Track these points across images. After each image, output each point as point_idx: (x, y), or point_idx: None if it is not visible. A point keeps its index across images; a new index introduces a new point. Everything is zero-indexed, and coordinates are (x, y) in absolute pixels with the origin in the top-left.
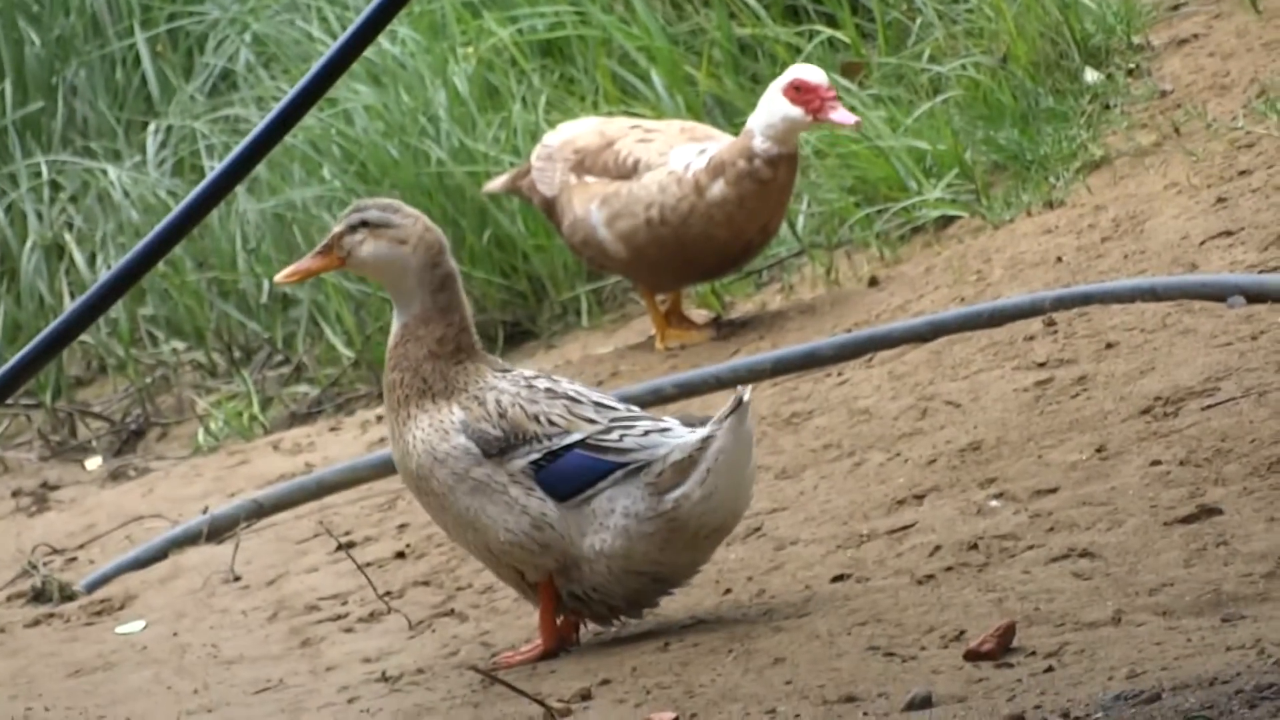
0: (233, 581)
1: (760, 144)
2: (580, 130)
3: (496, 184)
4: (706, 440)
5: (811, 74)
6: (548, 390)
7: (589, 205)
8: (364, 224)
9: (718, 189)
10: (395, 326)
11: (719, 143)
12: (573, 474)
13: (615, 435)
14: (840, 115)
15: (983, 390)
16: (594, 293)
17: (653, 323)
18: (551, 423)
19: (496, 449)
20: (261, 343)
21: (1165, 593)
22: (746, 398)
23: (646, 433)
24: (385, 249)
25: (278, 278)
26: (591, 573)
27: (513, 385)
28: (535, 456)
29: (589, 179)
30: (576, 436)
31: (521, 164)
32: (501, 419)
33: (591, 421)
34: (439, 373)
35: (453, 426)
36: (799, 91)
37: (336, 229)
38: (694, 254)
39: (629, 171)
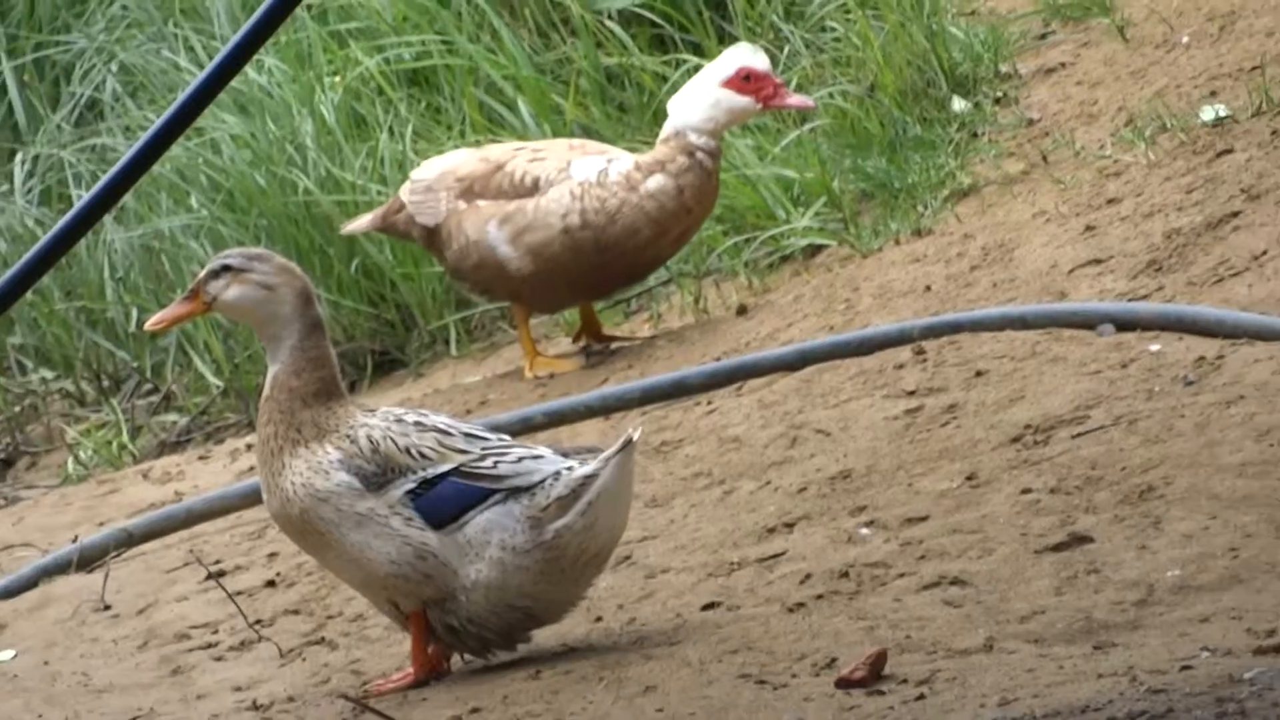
0: (103, 610)
1: (697, 139)
2: (457, 160)
3: (361, 224)
4: (591, 477)
5: (758, 61)
6: (417, 424)
7: (485, 226)
8: (227, 269)
9: (655, 182)
10: (268, 378)
11: (621, 153)
12: (449, 500)
13: (489, 462)
14: (795, 100)
15: (852, 419)
16: (463, 321)
17: (523, 350)
18: (423, 455)
19: (375, 483)
20: (130, 372)
21: (1037, 620)
22: (636, 438)
23: (520, 459)
24: (251, 292)
25: (146, 325)
26: (468, 603)
27: (382, 421)
28: (411, 485)
29: (480, 203)
30: (450, 465)
31: (386, 203)
32: (375, 454)
33: (463, 452)
34: (310, 420)
35: (331, 465)
36: (748, 81)
37: (200, 275)
38: (608, 259)
39: (529, 189)
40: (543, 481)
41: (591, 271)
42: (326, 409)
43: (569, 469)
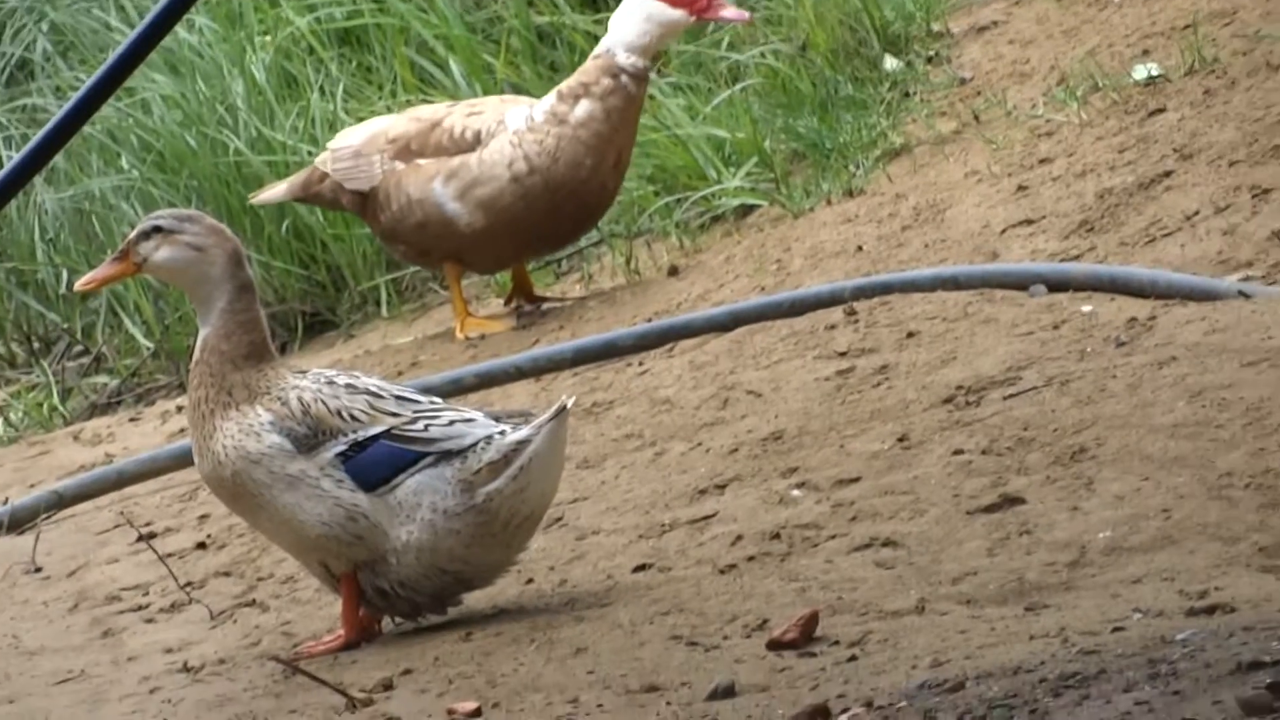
0: (34, 572)
1: (626, 59)
2: (384, 123)
3: (275, 194)
4: (523, 443)
5: None
6: (348, 386)
7: (430, 184)
8: (157, 230)
9: (583, 109)
10: (198, 341)
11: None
12: (380, 463)
13: (420, 425)
14: (731, 12)
15: (784, 380)
16: (394, 282)
17: (454, 311)
18: (354, 417)
19: (306, 445)
20: (60, 333)
21: (968, 582)
22: (569, 405)
23: (451, 422)
24: (181, 253)
25: (76, 285)
26: (399, 565)
27: (313, 383)
28: (342, 448)
29: (421, 162)
30: (382, 427)
31: (302, 173)
32: (306, 415)
33: (395, 414)
34: (240, 382)
35: (263, 427)
36: None
37: (130, 236)
38: (558, 200)
39: (470, 144)
40: (474, 445)
41: (544, 218)
42: (257, 371)
43: (501, 433)
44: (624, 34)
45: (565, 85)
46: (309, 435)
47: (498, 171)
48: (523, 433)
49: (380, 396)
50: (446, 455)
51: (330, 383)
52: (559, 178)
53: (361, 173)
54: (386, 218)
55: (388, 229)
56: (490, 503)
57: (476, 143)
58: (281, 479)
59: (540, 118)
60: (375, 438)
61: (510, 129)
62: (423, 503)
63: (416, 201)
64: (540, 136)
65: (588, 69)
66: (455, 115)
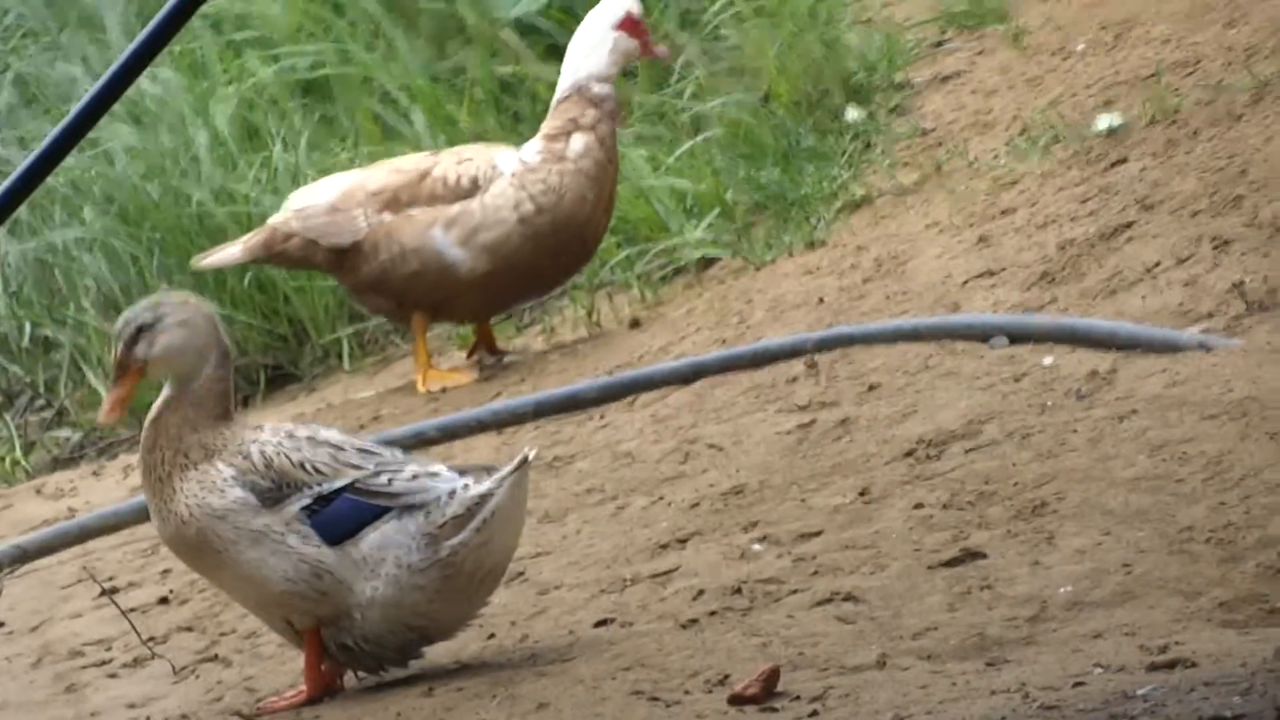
0: None
1: (601, 88)
2: (355, 178)
3: (229, 256)
4: (486, 496)
5: (636, 7)
6: (309, 438)
7: (428, 233)
8: (140, 330)
9: (578, 143)
10: (159, 402)
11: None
12: (344, 517)
13: (384, 479)
14: (660, 50)
15: (745, 433)
16: (356, 335)
17: (416, 364)
18: (318, 470)
19: (270, 499)
20: (23, 386)
21: (929, 636)
22: (532, 456)
23: (415, 476)
24: (173, 338)
25: (101, 419)
26: (364, 621)
27: (273, 436)
28: (307, 501)
29: (413, 211)
30: (345, 481)
31: (255, 235)
32: (269, 469)
33: (357, 467)
34: (197, 443)
35: (225, 482)
36: (636, 25)
37: (119, 350)
38: (563, 239)
39: (468, 190)
40: (438, 499)
41: (549, 258)
42: (214, 431)
43: (464, 486)
44: (593, 65)
45: (549, 126)
46: (272, 489)
47: (504, 215)
48: (485, 486)
49: (342, 449)
50: (410, 509)
51: (290, 435)
52: (564, 215)
53: (341, 228)
54: (370, 270)
55: (370, 281)
56: (455, 556)
57: (475, 188)
58: (246, 534)
59: (535, 158)
60: (339, 491)
61: (507, 172)
62: (387, 557)
63: (412, 251)
64: (543, 175)
65: (566, 107)
66: (444, 163)
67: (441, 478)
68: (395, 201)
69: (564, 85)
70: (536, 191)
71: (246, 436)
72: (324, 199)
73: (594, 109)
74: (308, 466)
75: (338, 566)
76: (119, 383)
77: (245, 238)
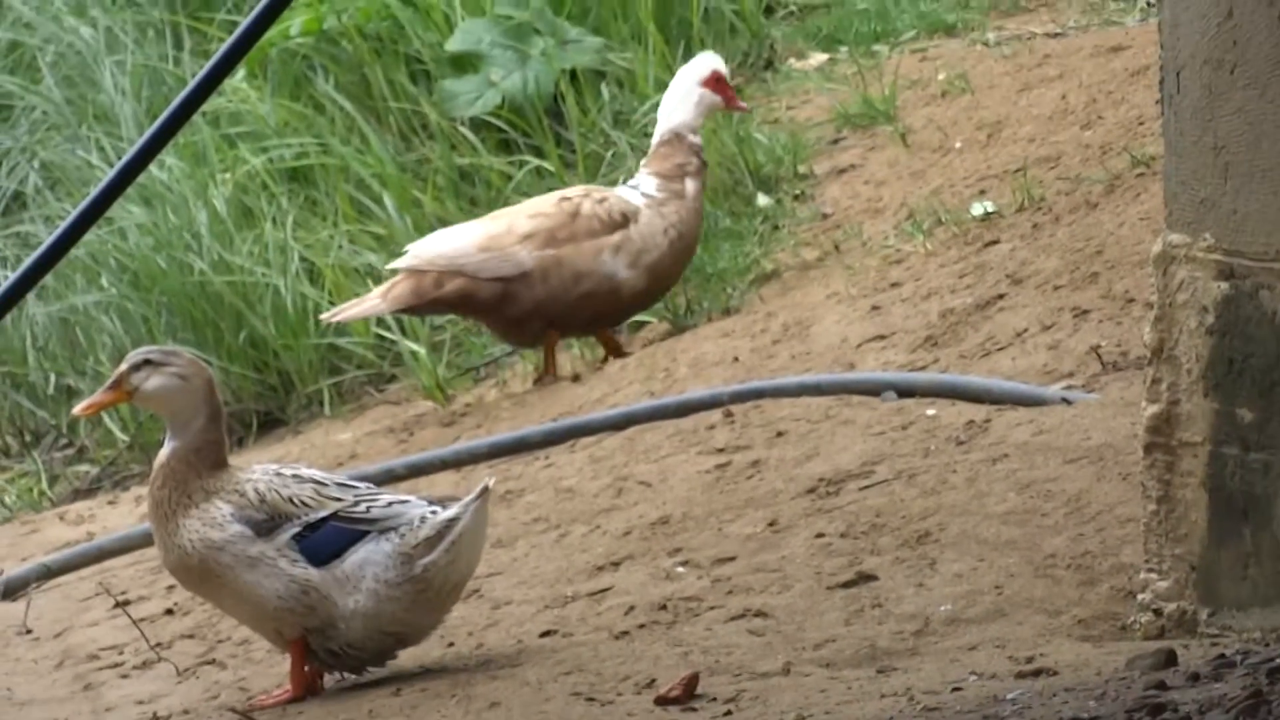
0: (25, 634)
1: (695, 139)
2: (499, 224)
3: (372, 308)
4: (454, 520)
5: (722, 65)
6: (294, 476)
7: (599, 258)
8: (147, 362)
9: (691, 186)
10: (166, 449)
11: (620, 188)
12: (330, 542)
13: (363, 507)
14: (742, 105)
15: (670, 472)
16: (335, 386)
17: (547, 365)
18: (304, 503)
19: (265, 529)
20: (49, 428)
21: (828, 647)
22: (490, 485)
23: (389, 504)
24: (168, 383)
25: (75, 410)
26: (347, 630)
27: (264, 475)
28: (296, 530)
29: (583, 244)
30: (329, 510)
31: (398, 286)
32: (262, 504)
33: (338, 499)
34: (199, 486)
35: (225, 518)
36: (719, 83)
37: (122, 368)
38: (686, 260)
39: (620, 221)
40: (411, 523)
41: (678, 275)
42: (213, 475)
43: (433, 512)
44: (685, 117)
45: (660, 167)
46: (266, 520)
47: (658, 239)
48: (452, 511)
49: (324, 484)
50: (386, 533)
51: (278, 474)
52: (690, 240)
53: (503, 263)
54: (536, 296)
55: (533, 307)
56: (427, 573)
57: (626, 220)
58: (244, 561)
59: (658, 194)
60: (325, 520)
61: (642, 205)
62: (367, 574)
63: (586, 273)
64: (674, 207)
65: (669, 152)
66: (587, 203)
67: (412, 505)
68: (553, 239)
69: (661, 131)
70: (673, 220)
71: (241, 477)
72: (467, 243)
73: (695, 157)
74: (295, 500)
75: (323, 585)
76: (105, 393)
77: (382, 289)
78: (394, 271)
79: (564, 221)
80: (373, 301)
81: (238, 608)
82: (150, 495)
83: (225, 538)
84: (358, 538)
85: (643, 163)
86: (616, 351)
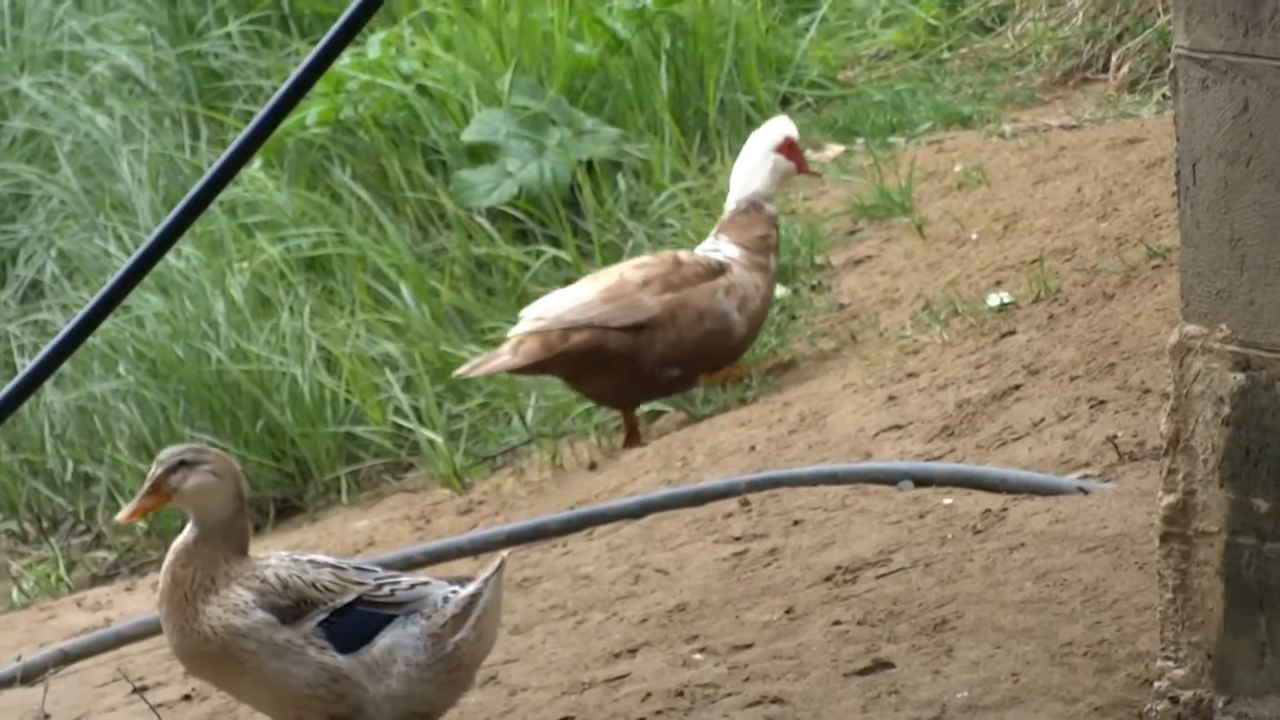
0: None
1: (770, 207)
2: (612, 275)
3: (505, 363)
4: (476, 595)
5: (794, 129)
6: (311, 562)
7: (715, 298)
8: (183, 463)
9: (773, 261)
10: (190, 532)
11: (711, 236)
12: (358, 627)
13: (386, 590)
14: (814, 171)
15: (688, 559)
16: (353, 474)
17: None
18: (327, 588)
19: (290, 615)
20: (66, 515)
21: None
22: (506, 557)
23: (411, 586)
24: (205, 480)
25: (119, 518)
26: (376, 714)
27: (280, 562)
28: (323, 616)
29: (699, 286)
30: (354, 595)
31: (525, 339)
32: (285, 590)
33: (359, 584)
34: (223, 571)
35: (248, 605)
36: (791, 148)
37: (158, 471)
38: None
39: (719, 270)
40: (435, 603)
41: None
42: (236, 562)
43: (454, 591)
44: (760, 185)
45: (743, 239)
46: (291, 606)
47: (750, 290)
48: (474, 587)
49: (342, 569)
50: (412, 615)
51: (295, 560)
52: (766, 311)
53: (630, 310)
54: (666, 339)
55: (665, 350)
56: (458, 650)
57: (721, 270)
58: (269, 648)
59: (743, 260)
60: (351, 605)
61: (732, 261)
62: (397, 659)
63: (708, 312)
64: (760, 278)
65: (749, 224)
66: (685, 257)
67: (434, 585)
68: (669, 284)
69: (736, 198)
70: (756, 282)
71: (259, 563)
72: (588, 297)
73: (774, 230)
74: (318, 585)
75: (353, 672)
76: (146, 498)
77: (510, 345)
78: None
79: (672, 268)
80: (504, 357)
81: (258, 695)
82: (168, 575)
83: (249, 624)
84: (385, 622)
85: (715, 231)
86: (635, 438)
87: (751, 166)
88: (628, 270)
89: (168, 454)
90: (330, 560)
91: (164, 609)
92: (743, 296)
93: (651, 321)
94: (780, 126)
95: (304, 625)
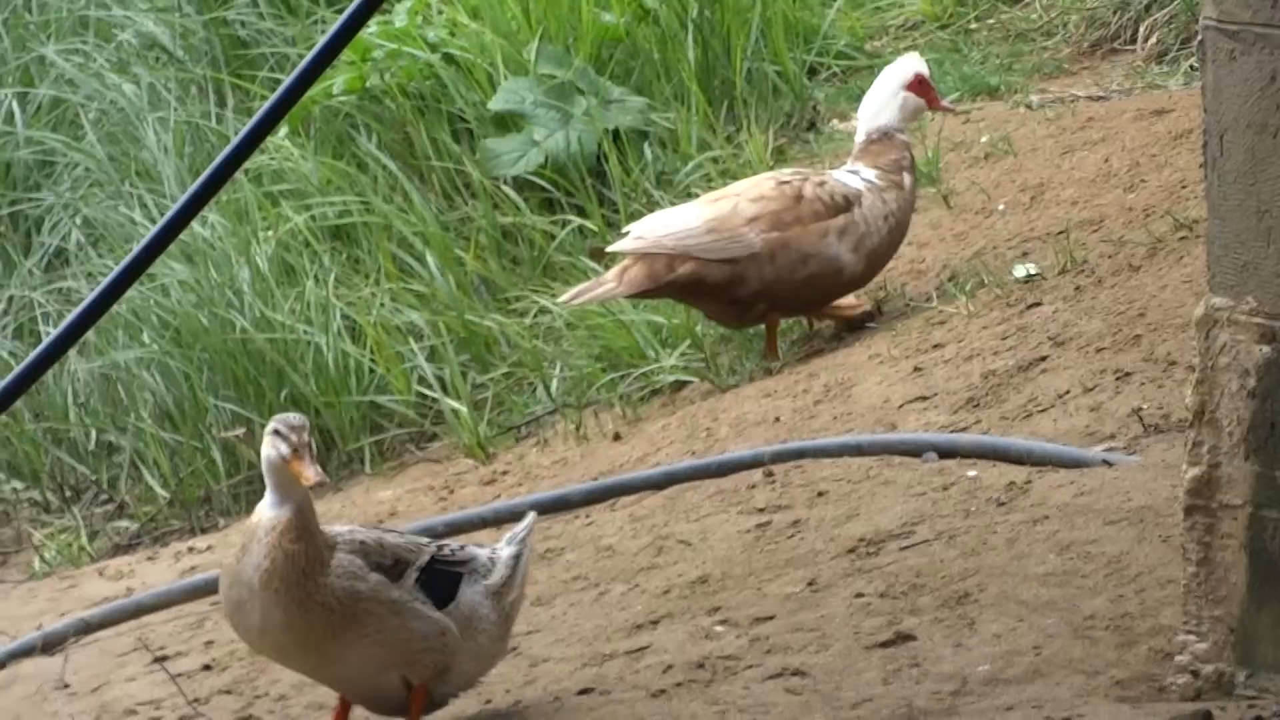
0: (63, 689)
1: (903, 137)
2: (723, 206)
3: (609, 290)
4: (518, 555)
5: (925, 67)
6: (376, 527)
7: (824, 241)
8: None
9: (908, 180)
10: (285, 508)
11: (848, 162)
12: (441, 585)
13: (448, 550)
14: (947, 103)
15: (710, 531)
16: (376, 444)
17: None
18: (408, 549)
19: (394, 574)
20: (89, 484)
21: (865, 707)
22: (532, 519)
23: (462, 546)
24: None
25: (315, 479)
26: (458, 673)
27: (348, 530)
28: (416, 574)
29: (809, 226)
30: (429, 555)
31: (631, 267)
32: (383, 549)
33: (423, 545)
34: (324, 542)
35: (360, 569)
36: (922, 85)
37: (310, 441)
38: (898, 247)
39: (844, 205)
40: (484, 564)
41: (889, 259)
42: (322, 533)
43: (494, 551)
44: (894, 116)
45: (879, 160)
46: (392, 566)
47: (878, 224)
48: (513, 547)
49: (400, 534)
50: (473, 574)
51: (352, 531)
52: (904, 229)
53: (734, 244)
54: (764, 276)
55: (761, 288)
56: (512, 610)
57: (849, 204)
58: (389, 606)
59: (880, 182)
60: (430, 563)
61: (863, 189)
62: (475, 614)
63: (811, 255)
64: (893, 195)
65: (883, 150)
66: (808, 186)
67: (471, 547)
68: (779, 221)
69: (867, 130)
70: (893, 208)
71: (336, 532)
72: (694, 224)
73: (908, 153)
74: (402, 546)
75: (453, 626)
76: (315, 460)
77: (614, 273)
78: (614, 255)
79: (789, 205)
80: (609, 285)
81: (361, 660)
82: (279, 552)
83: (370, 587)
84: (458, 580)
85: (851, 157)
86: (773, 350)
87: (880, 103)
88: (744, 201)
89: (296, 420)
90: (383, 528)
91: (274, 587)
92: (861, 234)
93: (751, 259)
94: (911, 64)
95: (405, 582)
